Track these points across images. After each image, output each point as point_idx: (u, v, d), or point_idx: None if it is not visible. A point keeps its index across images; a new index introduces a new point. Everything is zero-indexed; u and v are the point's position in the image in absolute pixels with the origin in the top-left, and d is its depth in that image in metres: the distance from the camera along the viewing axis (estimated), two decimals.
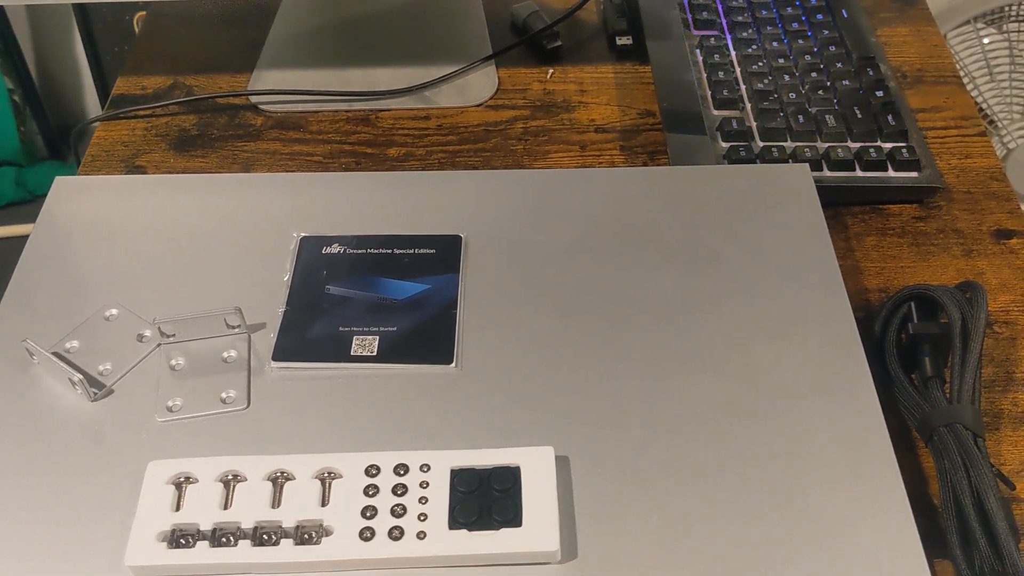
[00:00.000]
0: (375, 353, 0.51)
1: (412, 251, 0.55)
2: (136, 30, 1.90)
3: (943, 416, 0.49)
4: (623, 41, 0.75)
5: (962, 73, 1.44)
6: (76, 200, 0.58)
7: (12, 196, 1.91)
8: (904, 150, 0.63)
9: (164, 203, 0.58)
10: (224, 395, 0.49)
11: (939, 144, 0.68)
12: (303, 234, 0.56)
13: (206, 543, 0.43)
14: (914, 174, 0.63)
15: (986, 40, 1.45)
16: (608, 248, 0.55)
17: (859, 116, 0.65)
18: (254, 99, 0.72)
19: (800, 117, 0.65)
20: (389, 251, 0.55)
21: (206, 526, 0.43)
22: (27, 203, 1.92)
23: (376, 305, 0.53)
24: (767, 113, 0.66)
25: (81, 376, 0.48)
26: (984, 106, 1.45)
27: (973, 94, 1.45)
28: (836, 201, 0.64)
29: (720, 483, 0.45)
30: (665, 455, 0.46)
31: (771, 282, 0.53)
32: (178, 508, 0.44)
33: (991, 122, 1.46)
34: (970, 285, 0.54)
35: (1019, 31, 1.44)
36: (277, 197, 0.58)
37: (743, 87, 0.68)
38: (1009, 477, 0.50)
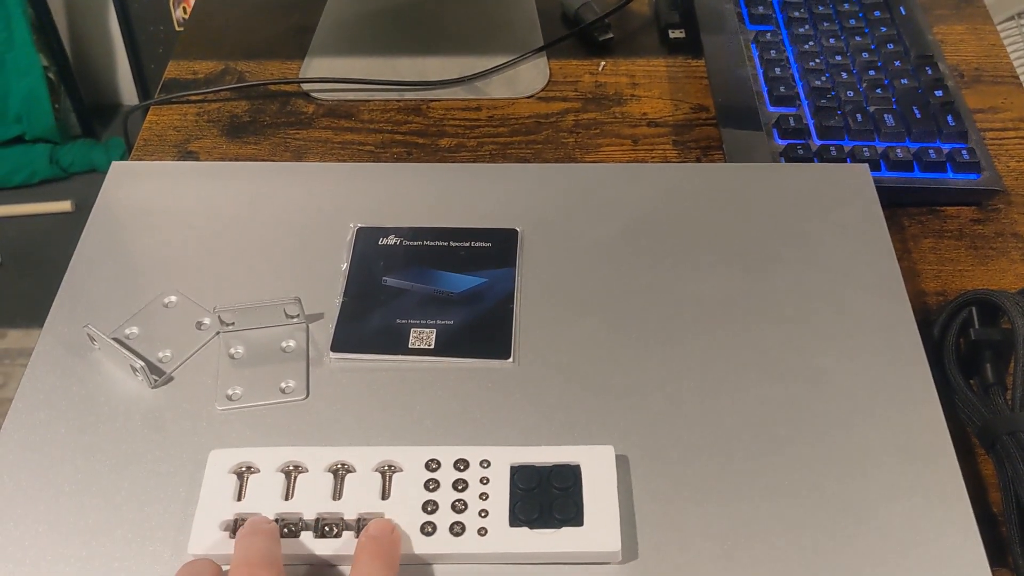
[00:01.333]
0: (432, 346, 0.51)
1: (468, 244, 0.55)
2: (172, 9, 1.90)
3: (1006, 424, 0.48)
4: (676, 34, 0.75)
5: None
6: (132, 186, 0.58)
7: (46, 173, 1.92)
8: (964, 152, 0.63)
9: (220, 190, 0.58)
10: (284, 385, 0.49)
11: (997, 146, 0.67)
12: (359, 224, 0.56)
13: None
14: (974, 176, 0.62)
15: None
16: (664, 246, 0.55)
17: (918, 116, 0.65)
18: (306, 87, 0.72)
19: (858, 116, 0.65)
20: (445, 243, 0.55)
21: (269, 516, 0.43)
22: (61, 180, 1.94)
23: (433, 298, 0.53)
24: (825, 111, 0.65)
25: (143, 363, 0.48)
26: None
27: None
28: (893, 202, 0.63)
29: (780, 490, 0.45)
30: (725, 459, 0.46)
31: (831, 285, 0.53)
32: (240, 497, 0.44)
33: None
34: None
35: None
36: (333, 187, 0.58)
37: (800, 84, 0.68)
38: None
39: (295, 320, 0.51)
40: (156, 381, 0.49)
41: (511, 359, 0.50)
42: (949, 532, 0.43)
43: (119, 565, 0.43)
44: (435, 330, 0.51)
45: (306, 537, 0.43)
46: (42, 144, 1.96)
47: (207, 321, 0.52)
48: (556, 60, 0.74)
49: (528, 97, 0.71)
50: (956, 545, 0.43)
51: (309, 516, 0.43)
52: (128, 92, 2.09)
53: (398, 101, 0.71)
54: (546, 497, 0.44)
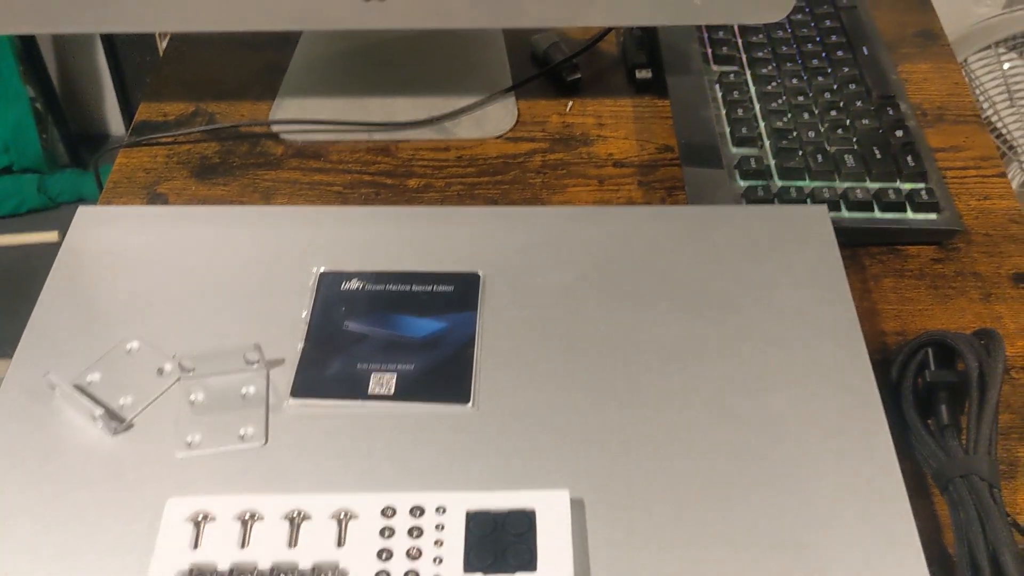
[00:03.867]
0: (392, 392, 0.51)
1: (430, 288, 0.56)
2: (158, 39, 1.92)
3: (959, 467, 0.49)
4: (642, 74, 0.76)
5: (982, 97, 1.44)
6: (98, 231, 0.59)
7: (34, 203, 1.93)
8: (923, 191, 0.64)
9: (185, 235, 0.58)
10: (243, 431, 0.49)
11: (958, 184, 0.68)
12: (322, 269, 0.57)
13: None
14: (933, 216, 0.63)
15: (1007, 65, 1.45)
16: (624, 288, 0.55)
17: (878, 156, 0.65)
18: (275, 128, 0.73)
19: (819, 156, 0.66)
20: (407, 288, 0.56)
21: (224, 566, 0.43)
22: (49, 210, 1.94)
23: (394, 343, 0.53)
24: (785, 152, 0.66)
25: (103, 411, 0.48)
26: (1004, 131, 1.45)
27: (993, 119, 1.44)
28: (854, 242, 0.64)
29: (734, 531, 0.45)
30: (679, 504, 0.46)
31: (787, 326, 0.53)
32: (196, 546, 0.44)
33: (1011, 147, 1.46)
34: (987, 333, 0.54)
35: None
36: (297, 230, 0.59)
37: (762, 124, 0.69)
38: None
39: (255, 366, 0.52)
40: (116, 428, 0.49)
41: (470, 404, 0.50)
42: (899, 572, 0.44)
43: None
44: (395, 375, 0.52)
45: None
46: (30, 174, 1.96)
47: (168, 367, 0.52)
48: (525, 100, 0.75)
49: (496, 137, 0.72)
50: None
51: (264, 565, 0.44)
52: (115, 122, 2.10)
53: (367, 142, 0.72)
54: (500, 543, 0.44)
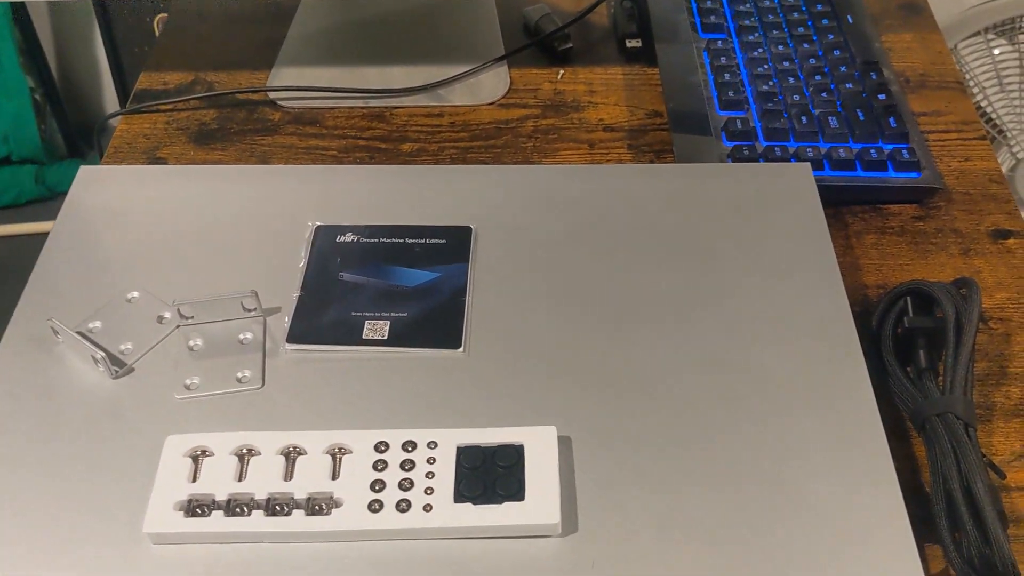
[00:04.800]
0: (386, 337, 0.52)
1: (423, 241, 0.57)
2: (156, 31, 1.93)
3: (935, 406, 0.50)
4: (632, 44, 0.77)
5: (972, 83, 1.45)
6: (99, 189, 0.60)
7: (33, 193, 1.94)
8: (905, 151, 0.65)
9: (184, 192, 0.60)
10: (240, 375, 0.51)
11: (940, 147, 0.70)
12: (318, 223, 0.58)
13: (221, 512, 0.44)
14: (914, 175, 0.65)
15: (996, 51, 1.46)
16: (612, 242, 0.57)
17: (861, 118, 0.67)
18: (272, 95, 0.74)
19: (803, 118, 0.67)
20: (401, 240, 0.57)
21: (221, 496, 0.45)
22: (48, 200, 1.96)
23: (387, 292, 0.55)
24: (771, 114, 0.67)
25: (103, 354, 0.50)
26: (994, 116, 1.47)
27: (983, 104, 1.46)
28: (837, 200, 0.65)
29: (716, 469, 0.47)
30: (664, 441, 0.48)
31: (771, 277, 0.55)
32: (195, 479, 0.46)
33: (1000, 132, 1.47)
34: (965, 281, 0.55)
35: None
36: (293, 187, 0.60)
37: (748, 89, 0.70)
38: (1000, 467, 0.52)
39: (252, 313, 0.53)
40: (117, 372, 0.51)
41: (462, 349, 0.52)
42: (878, 512, 0.45)
43: (79, 543, 0.44)
44: (389, 322, 0.53)
45: (257, 516, 0.44)
46: (29, 165, 1.97)
47: (167, 315, 0.53)
48: (517, 69, 0.77)
49: (489, 104, 0.74)
50: (882, 518, 0.45)
51: (260, 496, 0.45)
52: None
53: (362, 108, 0.73)
54: (490, 475, 0.45)
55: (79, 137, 2.08)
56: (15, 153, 1.98)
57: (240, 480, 0.46)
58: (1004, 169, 1.48)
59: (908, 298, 0.56)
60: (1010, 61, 1.45)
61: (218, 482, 0.45)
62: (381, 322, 0.53)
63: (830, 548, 0.44)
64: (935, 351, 0.54)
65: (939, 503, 0.48)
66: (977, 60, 1.45)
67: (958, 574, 0.46)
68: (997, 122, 1.47)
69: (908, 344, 0.55)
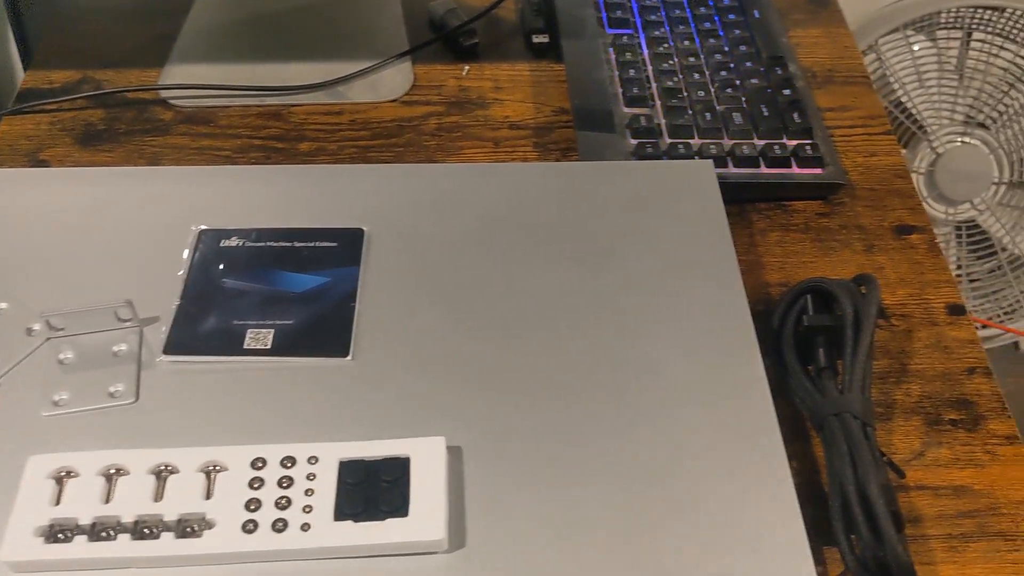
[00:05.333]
0: (269, 346, 0.50)
1: (313, 244, 0.55)
2: None
3: (833, 406, 0.49)
4: (539, 39, 0.76)
5: (892, 79, 1.47)
6: None
7: None
8: (808, 147, 0.65)
9: (63, 196, 0.57)
10: (112, 389, 0.48)
11: (845, 142, 0.70)
12: (202, 227, 0.55)
13: (85, 537, 0.42)
14: (817, 171, 0.64)
15: (916, 47, 1.48)
16: (511, 243, 0.55)
17: (765, 114, 0.66)
18: (163, 94, 0.71)
19: (707, 114, 0.66)
20: (289, 244, 0.55)
21: (85, 520, 0.42)
22: None
23: (273, 298, 0.52)
24: (675, 110, 0.66)
25: None
26: (914, 111, 1.48)
27: (904, 100, 1.47)
28: (742, 198, 0.64)
29: (610, 473, 0.45)
30: (559, 447, 0.46)
31: (670, 276, 0.54)
32: (58, 502, 0.43)
33: (921, 127, 1.49)
34: (865, 278, 0.55)
35: (948, 38, 1.47)
36: (179, 190, 0.57)
37: (653, 85, 0.69)
38: (900, 465, 0.51)
39: (128, 324, 0.50)
40: None
41: (350, 357, 0.50)
42: (773, 513, 0.44)
43: None
44: (273, 330, 0.51)
45: (123, 540, 0.42)
46: None
47: (37, 327, 0.50)
48: (421, 65, 0.75)
49: (391, 101, 0.72)
50: (778, 525, 0.44)
51: (127, 519, 0.42)
52: None
53: (258, 107, 0.71)
54: (373, 490, 0.43)
55: None
56: None
57: (107, 502, 0.43)
58: (924, 164, 1.50)
59: (808, 296, 0.55)
60: (929, 57, 1.47)
61: (83, 505, 0.43)
62: (265, 330, 0.51)
63: (724, 550, 0.43)
64: (835, 349, 0.53)
65: (835, 504, 0.47)
66: (897, 56, 1.47)
67: None
68: (917, 117, 1.49)
69: (808, 342, 0.54)
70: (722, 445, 0.46)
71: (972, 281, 1.56)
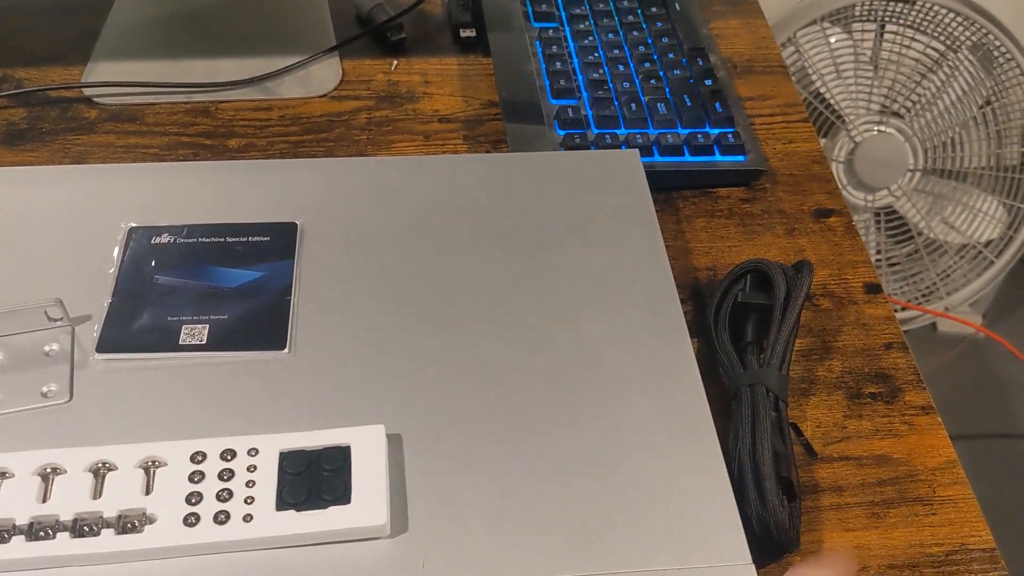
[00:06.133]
0: (205, 341, 0.50)
1: (246, 239, 0.55)
2: None
3: (749, 377, 0.51)
4: (467, 34, 0.76)
5: (811, 71, 1.51)
6: None
7: None
8: (730, 135, 0.67)
9: None
10: (45, 389, 0.48)
11: (766, 130, 0.72)
12: (132, 224, 0.55)
13: (22, 537, 0.41)
14: (740, 158, 0.66)
15: (832, 39, 1.52)
16: (445, 234, 0.56)
17: (688, 104, 0.68)
18: (88, 91, 0.70)
19: (632, 105, 0.68)
20: (221, 239, 0.55)
21: (22, 520, 0.42)
22: None
23: (207, 294, 0.52)
24: (601, 102, 0.68)
25: None
26: (832, 102, 1.53)
27: (822, 91, 1.52)
28: (668, 186, 0.66)
29: (547, 457, 0.46)
30: (497, 434, 0.47)
31: (600, 261, 0.55)
32: None
33: (839, 117, 1.54)
34: (801, 264, 0.57)
35: (862, 31, 1.52)
36: (107, 188, 0.57)
37: (580, 77, 0.71)
38: (818, 438, 0.53)
39: (59, 323, 0.50)
40: None
41: (287, 349, 0.50)
42: (705, 490, 0.46)
43: None
44: (208, 325, 0.51)
45: (63, 538, 0.42)
46: None
47: None
48: (349, 60, 0.75)
49: (321, 96, 0.72)
50: (711, 502, 0.45)
51: (66, 517, 0.42)
52: None
53: (186, 104, 0.70)
54: (315, 479, 0.44)
55: None
56: None
57: (44, 502, 0.43)
58: (843, 153, 1.54)
59: (748, 276, 0.57)
60: (845, 49, 1.51)
61: (19, 505, 0.42)
62: (200, 326, 0.51)
63: (659, 530, 0.44)
64: (764, 328, 0.55)
65: (732, 470, 0.49)
66: (815, 48, 1.51)
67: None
68: (836, 108, 1.53)
69: (742, 320, 0.56)
70: (655, 425, 0.48)
71: (891, 265, 1.61)
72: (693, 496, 0.45)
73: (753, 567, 0.43)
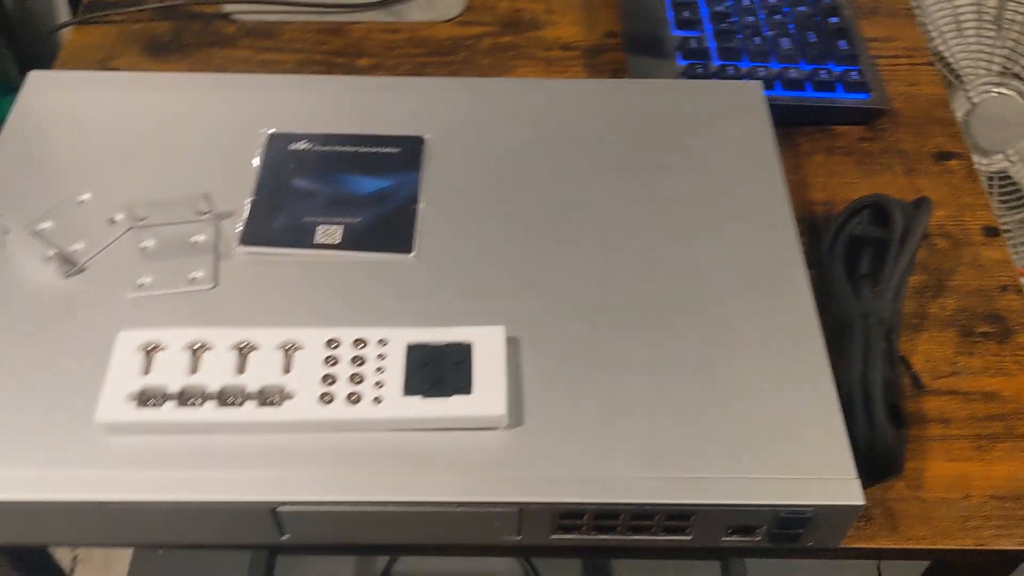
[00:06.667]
0: (338, 241, 0.53)
1: (376, 150, 0.58)
2: None
3: (863, 307, 0.52)
4: None
5: (932, 29, 1.47)
6: (50, 93, 0.60)
7: None
8: (854, 73, 0.66)
9: (138, 98, 0.59)
10: (192, 275, 0.51)
11: (889, 72, 0.71)
12: (272, 131, 0.58)
13: (174, 403, 0.45)
14: (863, 96, 0.66)
15: None
16: (563, 153, 0.58)
17: (812, 40, 0.68)
18: (227, 8, 0.73)
19: (756, 39, 0.68)
20: (354, 149, 0.57)
21: (174, 388, 0.46)
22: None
23: (340, 198, 0.55)
24: (725, 34, 0.68)
25: (55, 252, 0.50)
26: (952, 61, 1.48)
27: (941, 49, 1.47)
28: (788, 121, 0.66)
29: (658, 364, 0.48)
30: (608, 338, 0.49)
31: (717, 187, 0.56)
32: (147, 372, 0.46)
33: (958, 76, 1.49)
34: (921, 201, 0.57)
35: None
36: (248, 96, 0.60)
37: (703, 9, 0.71)
38: (927, 372, 0.54)
39: (205, 216, 0.53)
40: (69, 271, 0.51)
41: (413, 253, 0.53)
42: (812, 407, 0.47)
43: (33, 434, 0.45)
44: (341, 227, 0.54)
45: (209, 407, 0.45)
46: None
47: (119, 217, 0.53)
48: None
49: (447, 21, 0.74)
50: (817, 418, 0.46)
51: (213, 388, 0.46)
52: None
53: (319, 23, 0.73)
54: (439, 371, 0.47)
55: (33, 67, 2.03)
56: None
57: (193, 373, 0.46)
58: (960, 114, 1.50)
59: (867, 210, 0.57)
60: (968, 7, 1.46)
61: (171, 375, 0.46)
62: (333, 227, 0.54)
63: (764, 439, 0.46)
64: (879, 262, 0.56)
65: (841, 392, 0.49)
66: (937, 5, 1.47)
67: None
68: (955, 67, 1.49)
69: (858, 253, 0.56)
70: (765, 341, 0.49)
71: (1004, 231, 1.57)
72: (800, 410, 0.47)
73: (858, 481, 0.44)
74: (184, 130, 0.58)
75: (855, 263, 0.56)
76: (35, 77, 0.61)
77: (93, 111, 0.59)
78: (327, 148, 0.57)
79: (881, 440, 0.47)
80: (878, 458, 0.48)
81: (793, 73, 0.66)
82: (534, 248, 0.53)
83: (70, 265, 0.51)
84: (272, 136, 0.58)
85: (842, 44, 0.68)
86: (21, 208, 0.54)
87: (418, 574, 1.24)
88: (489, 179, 0.56)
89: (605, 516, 0.45)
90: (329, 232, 0.53)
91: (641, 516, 0.45)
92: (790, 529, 0.45)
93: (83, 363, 0.47)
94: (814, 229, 0.61)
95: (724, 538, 0.46)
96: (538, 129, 0.59)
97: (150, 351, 0.47)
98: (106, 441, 0.45)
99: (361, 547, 0.48)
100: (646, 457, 0.45)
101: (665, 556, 0.50)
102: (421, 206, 0.55)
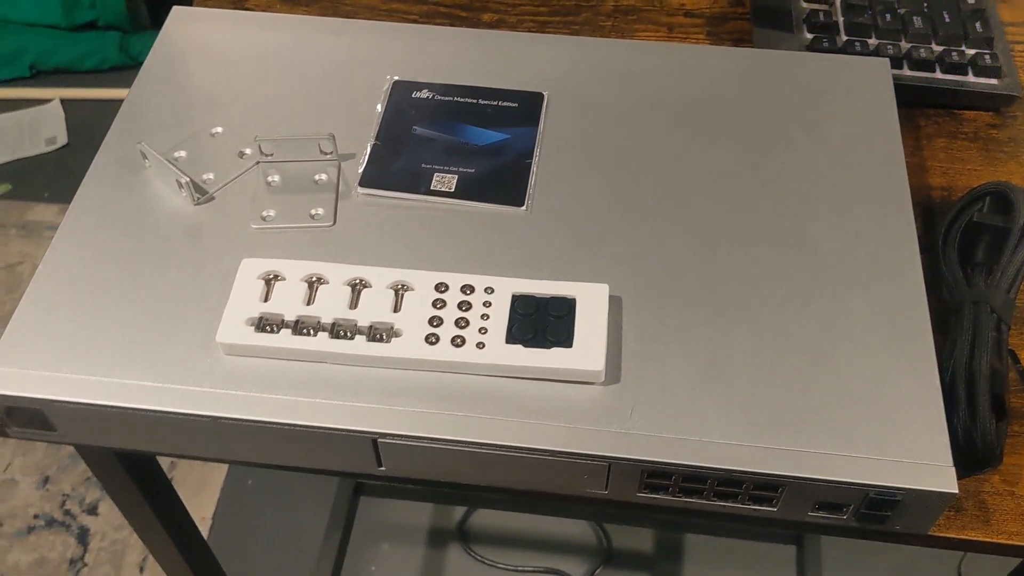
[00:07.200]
0: (453, 189, 0.54)
1: (496, 103, 0.59)
2: None
3: (975, 294, 0.51)
4: None
5: None
6: (192, 28, 0.63)
7: (116, 60, 1.98)
8: (987, 56, 0.64)
9: (272, 38, 0.62)
10: (313, 212, 0.53)
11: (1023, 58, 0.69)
12: (396, 78, 0.60)
13: (289, 331, 0.48)
14: (994, 81, 0.64)
15: None
16: (681, 119, 0.58)
17: (947, 20, 0.66)
18: None
19: (887, 15, 0.66)
20: (474, 101, 0.59)
21: (290, 317, 0.48)
22: (130, 69, 2.00)
23: (457, 148, 0.56)
24: (855, 8, 0.67)
25: (188, 179, 0.53)
26: None
27: None
28: (913, 101, 0.65)
29: (758, 334, 0.48)
30: (711, 304, 0.50)
31: (834, 163, 0.55)
32: (266, 300, 0.49)
33: None
34: None
35: None
36: (375, 42, 0.62)
37: None
38: None
39: (329, 156, 0.56)
40: (199, 199, 0.54)
41: (524, 207, 0.54)
42: (913, 387, 0.46)
43: (156, 347, 0.48)
44: (456, 176, 0.55)
45: (322, 337, 0.47)
46: (113, 32, 2.01)
47: (248, 151, 0.56)
48: None
49: None
50: (918, 399, 0.46)
51: (326, 320, 0.48)
52: None
53: None
54: (541, 322, 0.48)
55: (163, 9, 2.11)
56: (101, 18, 2.01)
57: (308, 304, 0.49)
58: None
59: (989, 197, 0.56)
60: None
61: (288, 304, 0.48)
62: (449, 175, 0.55)
63: (862, 419, 0.45)
64: (996, 251, 0.54)
65: (945, 377, 0.49)
66: None
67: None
68: None
69: (974, 241, 0.55)
70: (871, 321, 0.49)
71: None
72: (901, 393, 0.46)
73: (953, 469, 0.44)
74: (312, 72, 0.60)
75: (971, 251, 0.55)
76: (177, 12, 0.63)
77: (230, 47, 0.61)
78: (448, 98, 0.59)
79: (982, 430, 0.47)
80: (976, 448, 0.47)
81: (923, 52, 0.64)
82: (644, 211, 0.54)
83: (200, 193, 0.54)
84: (396, 83, 0.59)
85: (977, 26, 0.66)
86: (158, 136, 0.57)
87: (493, 528, 1.26)
88: (604, 139, 0.57)
89: (693, 479, 0.45)
90: (445, 180, 0.55)
91: (729, 483, 0.45)
92: (878, 511, 0.45)
93: (207, 286, 0.50)
94: (929, 214, 0.59)
95: (810, 513, 0.46)
96: (657, 93, 0.59)
97: (270, 280, 0.49)
98: (223, 361, 0.48)
99: (449, 487, 0.50)
100: (739, 425, 0.45)
101: (748, 524, 0.50)
102: (536, 161, 0.56)
